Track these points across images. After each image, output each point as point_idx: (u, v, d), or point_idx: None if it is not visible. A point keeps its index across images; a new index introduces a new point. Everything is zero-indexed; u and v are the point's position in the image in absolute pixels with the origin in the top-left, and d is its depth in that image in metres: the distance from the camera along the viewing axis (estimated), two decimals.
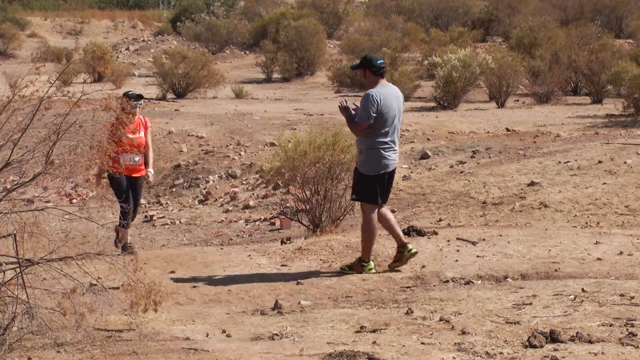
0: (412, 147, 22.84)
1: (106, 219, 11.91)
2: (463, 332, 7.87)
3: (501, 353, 7.12)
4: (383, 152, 11.52)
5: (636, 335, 7.35)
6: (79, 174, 8.64)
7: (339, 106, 11.65)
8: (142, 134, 13.23)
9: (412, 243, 12.35)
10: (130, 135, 12.75)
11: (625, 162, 18.76)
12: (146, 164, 13.37)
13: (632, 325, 7.67)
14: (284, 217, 18.19)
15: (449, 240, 13.14)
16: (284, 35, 45.08)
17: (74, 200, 21.75)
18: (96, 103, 8.68)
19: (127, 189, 13.09)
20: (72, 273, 8.24)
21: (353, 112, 11.39)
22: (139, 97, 13.09)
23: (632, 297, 8.84)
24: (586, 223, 15.46)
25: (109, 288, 8.79)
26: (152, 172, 13.58)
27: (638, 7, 52.29)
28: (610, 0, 52.06)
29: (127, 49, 55.86)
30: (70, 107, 8.49)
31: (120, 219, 12.85)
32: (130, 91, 13.35)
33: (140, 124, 13.26)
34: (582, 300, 8.79)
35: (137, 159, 13.10)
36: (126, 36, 62.19)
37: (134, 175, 13.18)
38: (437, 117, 28.72)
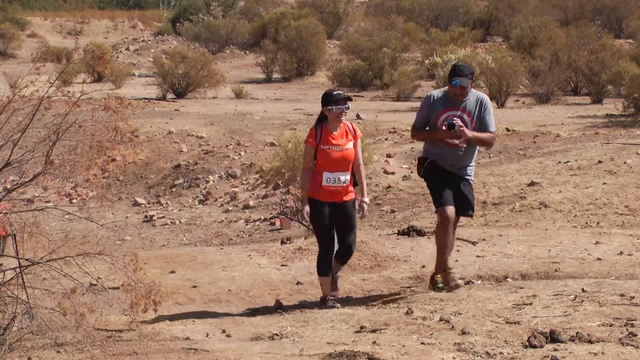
0: (412, 147, 22.83)
1: (106, 219, 11.92)
2: (463, 332, 7.87)
3: (501, 353, 7.12)
4: None
5: (636, 335, 7.35)
6: (79, 173, 8.63)
7: (460, 130, 9.79)
8: (349, 145, 9.88)
9: (412, 242, 12.37)
10: (334, 148, 9.79)
11: (625, 162, 18.75)
12: (355, 183, 10.10)
13: (632, 325, 7.67)
14: (284, 217, 18.19)
15: None
16: (284, 35, 45.07)
17: (74, 200, 21.74)
18: (96, 103, 8.68)
19: (330, 220, 9.85)
20: (72, 273, 8.24)
21: (461, 127, 9.80)
22: (347, 99, 9.95)
23: (632, 297, 8.84)
24: (586, 223, 15.45)
25: (109, 288, 8.80)
26: (368, 202, 10.18)
27: (638, 7, 52.26)
28: (611, 0, 52.04)
29: (127, 49, 55.86)
30: (69, 107, 8.49)
31: (320, 262, 9.96)
32: (336, 91, 10.17)
33: (347, 132, 9.93)
34: (582, 300, 8.79)
35: (343, 178, 9.79)
36: (126, 36, 62.18)
37: (340, 200, 9.88)
38: None
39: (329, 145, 9.74)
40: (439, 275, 10.04)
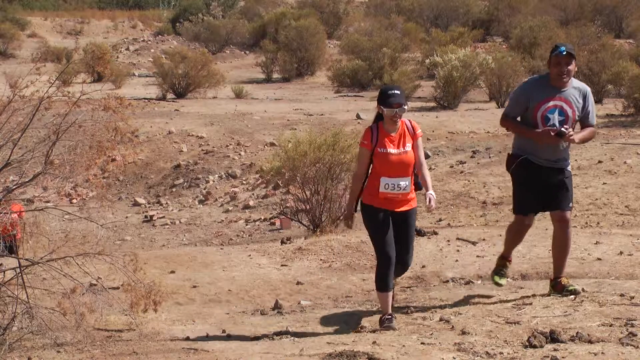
0: None
1: (106, 219, 11.91)
2: (463, 332, 7.86)
3: (501, 353, 7.12)
4: None
5: (636, 335, 7.34)
6: (79, 173, 8.64)
7: (569, 138, 8.89)
8: (409, 147, 8.67)
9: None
10: (391, 150, 8.60)
11: (625, 162, 18.76)
12: (417, 187, 8.91)
13: (632, 325, 7.67)
14: (284, 217, 18.20)
15: (449, 240, 13.14)
16: (284, 35, 45.06)
17: (74, 200, 21.74)
18: (95, 103, 8.68)
19: (389, 228, 8.62)
20: (72, 273, 8.24)
21: (571, 136, 8.85)
22: (401, 104, 8.63)
23: (632, 297, 8.83)
24: (586, 223, 15.45)
25: (109, 288, 8.80)
26: (434, 195, 8.79)
27: (638, 7, 52.24)
28: (610, 0, 52.04)
29: (127, 49, 55.84)
30: (69, 107, 8.49)
31: (379, 275, 8.66)
32: (393, 89, 8.74)
33: (406, 132, 8.72)
34: (582, 300, 8.79)
35: (402, 184, 8.57)
36: (126, 36, 62.15)
37: (399, 209, 8.66)
38: (437, 117, 28.72)
39: (386, 148, 8.58)
40: (564, 278, 9.22)
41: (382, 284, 8.59)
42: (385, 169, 8.53)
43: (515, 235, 9.40)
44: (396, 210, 8.59)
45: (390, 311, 8.56)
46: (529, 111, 8.91)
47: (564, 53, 8.76)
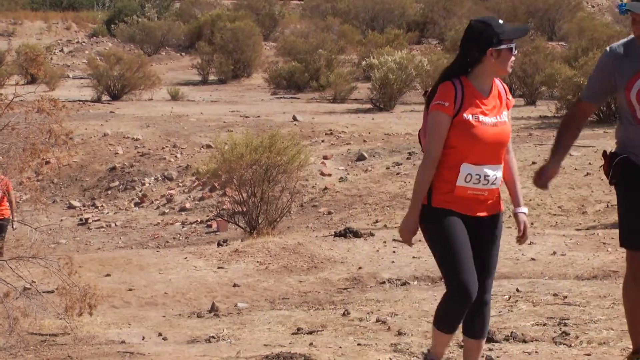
0: (349, 149, 22.89)
1: (40, 222, 11.79)
2: (399, 333, 7.91)
3: None
4: None
5: (569, 334, 7.44)
6: (12, 176, 8.55)
7: None
8: (505, 116, 5.59)
9: (348, 244, 12.39)
10: (486, 118, 5.49)
11: None
12: (512, 191, 5.80)
13: (565, 325, 7.77)
14: (220, 219, 18.16)
15: (385, 242, 13.20)
16: (220, 37, 44.92)
17: None
18: (29, 105, 8.59)
19: (467, 247, 5.57)
20: (5, 277, 8.15)
21: None
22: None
23: (565, 297, 8.96)
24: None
25: (43, 292, 8.72)
26: (525, 212, 5.73)
27: (570, 10, 52.93)
28: (543, 3, 52.66)
29: (61, 50, 55.26)
30: (2, 109, 8.40)
31: (445, 311, 5.82)
32: (497, 19, 5.56)
33: (500, 95, 5.63)
34: (517, 300, 8.89)
35: (492, 175, 5.50)
36: (60, 37, 61.49)
37: (483, 214, 5.62)
38: (373, 118, 28.83)
39: (478, 116, 5.48)
40: None
41: (448, 325, 5.80)
42: (473, 149, 5.46)
43: (634, 299, 5.84)
44: (480, 215, 5.60)
45: (441, 356, 6.00)
46: (618, 93, 5.94)
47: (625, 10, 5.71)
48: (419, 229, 5.63)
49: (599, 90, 6.04)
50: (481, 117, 5.45)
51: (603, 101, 6.36)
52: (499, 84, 5.62)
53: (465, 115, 5.42)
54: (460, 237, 5.52)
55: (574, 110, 6.17)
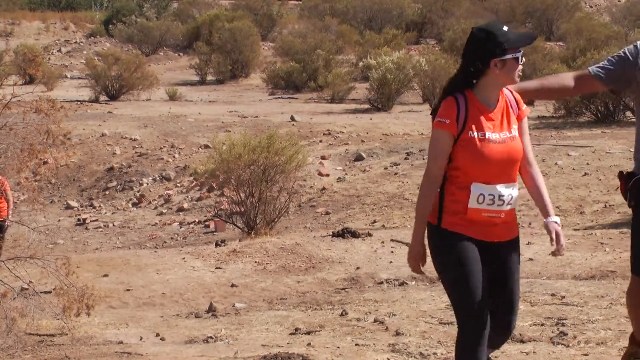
0: (347, 149, 22.89)
1: (38, 223, 11.78)
2: (397, 333, 7.90)
3: (435, 354, 7.16)
4: None
5: (567, 334, 7.45)
6: (10, 176, 8.55)
7: None
8: (515, 131, 5.17)
9: (346, 244, 12.37)
10: (492, 135, 5.08)
11: (556, 164, 19.00)
12: (540, 202, 5.30)
13: (563, 325, 7.77)
14: (218, 219, 18.15)
15: (383, 242, 13.20)
16: (218, 37, 44.91)
17: None
18: (27, 105, 8.59)
19: (480, 275, 5.00)
20: (2, 277, 8.15)
21: None
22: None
23: (563, 297, 8.96)
24: (518, 224, 15.62)
25: (41, 292, 8.72)
26: (557, 221, 5.16)
27: (567, 10, 52.96)
28: (541, 3, 52.67)
29: (59, 50, 55.24)
30: (0, 109, 8.39)
31: (464, 349, 5.01)
32: (502, 26, 5.19)
33: (508, 107, 5.26)
34: None
35: (507, 195, 5.08)
36: (58, 38, 61.46)
37: (498, 239, 5.13)
38: (371, 119, 28.83)
39: (484, 133, 5.07)
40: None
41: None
42: (481, 169, 5.03)
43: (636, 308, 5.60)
44: (495, 241, 5.08)
45: None
46: (636, 92, 5.50)
47: None
48: (427, 251, 5.13)
49: (612, 74, 5.57)
50: (487, 134, 5.03)
51: (609, 83, 5.57)
52: (508, 95, 5.26)
53: (470, 133, 5.02)
54: (472, 264, 4.98)
55: (581, 73, 5.76)
